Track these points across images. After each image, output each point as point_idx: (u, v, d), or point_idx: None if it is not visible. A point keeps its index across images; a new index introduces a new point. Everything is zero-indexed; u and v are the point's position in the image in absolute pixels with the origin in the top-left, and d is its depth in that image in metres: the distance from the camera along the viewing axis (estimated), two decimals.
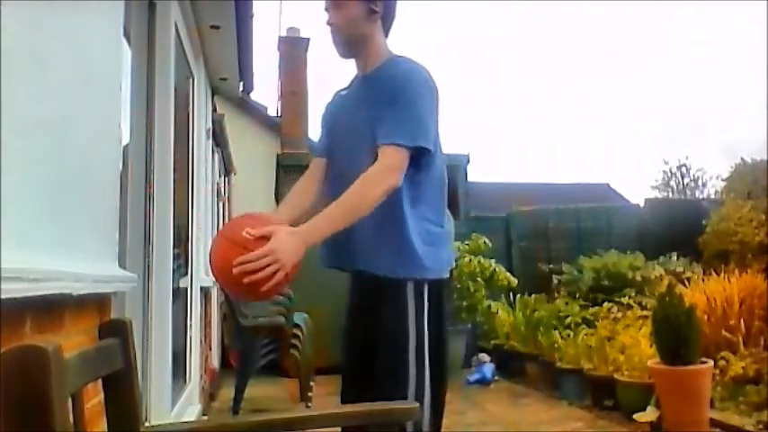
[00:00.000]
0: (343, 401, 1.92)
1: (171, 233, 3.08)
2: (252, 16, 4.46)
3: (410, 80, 1.85)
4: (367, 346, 1.85)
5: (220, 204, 7.51)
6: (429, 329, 1.82)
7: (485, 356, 6.48)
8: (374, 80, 1.91)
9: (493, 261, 6.78)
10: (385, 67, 1.91)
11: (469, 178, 8.45)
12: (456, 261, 5.41)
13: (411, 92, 1.83)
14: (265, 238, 1.64)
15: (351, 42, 1.94)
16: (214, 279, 1.84)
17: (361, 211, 1.73)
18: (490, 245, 6.88)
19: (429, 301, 1.83)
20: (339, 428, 1.64)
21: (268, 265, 1.59)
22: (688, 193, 25.49)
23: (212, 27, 4.25)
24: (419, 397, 1.78)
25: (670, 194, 25.53)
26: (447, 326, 1.95)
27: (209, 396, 5.16)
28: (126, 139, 2.72)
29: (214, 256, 1.74)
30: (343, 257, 1.91)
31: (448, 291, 2.04)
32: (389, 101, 1.81)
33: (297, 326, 4.94)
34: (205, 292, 4.98)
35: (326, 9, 1.94)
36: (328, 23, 1.93)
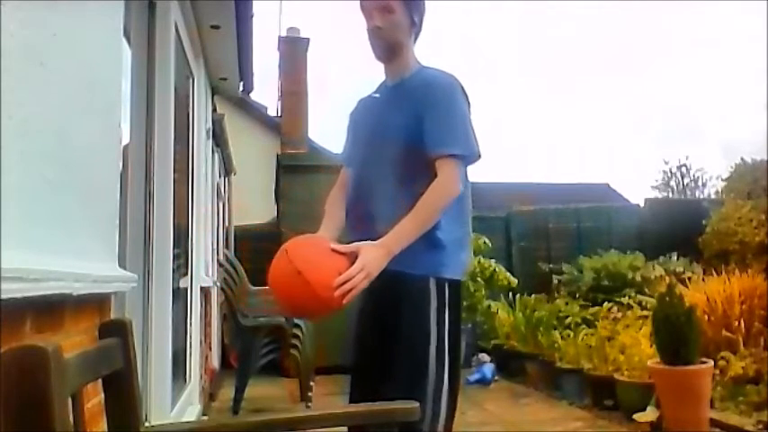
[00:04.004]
0: (353, 401, 1.94)
1: (171, 233, 3.08)
2: (252, 16, 4.46)
3: (452, 92, 1.95)
4: (382, 344, 1.87)
5: (220, 204, 7.52)
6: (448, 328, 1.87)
7: (485, 356, 6.48)
8: (408, 88, 1.98)
9: (493, 261, 6.78)
10: (419, 76, 2.00)
11: (469, 178, 8.44)
12: None
13: (456, 103, 1.93)
14: (345, 255, 1.70)
15: (391, 47, 2.00)
16: (290, 311, 1.80)
17: (431, 221, 1.82)
18: (490, 245, 6.88)
19: (449, 299, 1.89)
20: (339, 429, 1.64)
21: (361, 281, 1.67)
22: (688, 193, 25.49)
23: (212, 27, 4.24)
24: (438, 394, 1.82)
25: (670, 194, 25.54)
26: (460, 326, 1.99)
27: (209, 396, 5.16)
28: (126, 139, 2.72)
29: (304, 285, 1.67)
30: None
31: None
32: (436, 112, 1.90)
33: (297, 326, 4.94)
34: (205, 292, 4.98)
35: (369, 13, 1.98)
36: (374, 26, 1.97)
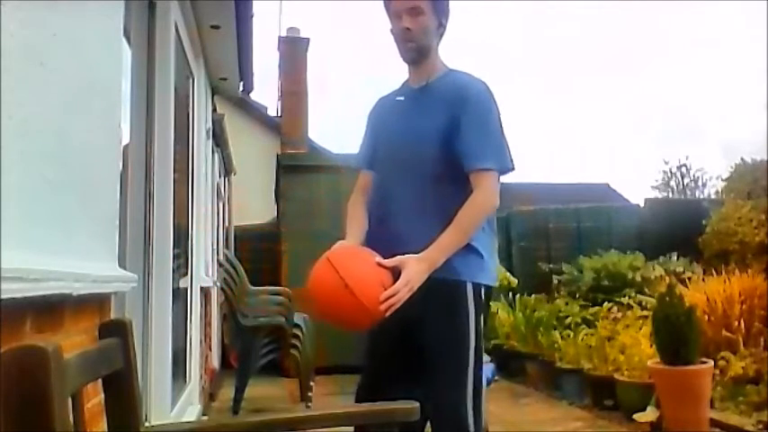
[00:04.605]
0: (359, 400, 1.97)
1: (171, 233, 3.08)
2: (252, 16, 4.45)
3: (487, 101, 1.96)
4: (406, 348, 1.91)
5: (220, 204, 7.52)
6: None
7: (485, 356, 6.47)
8: (437, 92, 1.99)
9: None
10: (448, 80, 2.00)
11: None
12: None
13: (492, 114, 1.96)
14: (388, 268, 1.75)
15: (420, 49, 2.00)
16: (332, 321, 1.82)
17: (471, 234, 1.87)
18: None
19: (483, 304, 1.95)
20: (337, 429, 1.65)
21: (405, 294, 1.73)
22: (688, 193, 25.48)
23: (212, 27, 4.24)
24: (477, 393, 1.87)
25: (670, 194, 25.52)
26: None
27: (209, 396, 5.16)
28: (126, 139, 2.72)
29: (352, 298, 1.70)
30: None
31: None
32: (473, 122, 1.91)
33: (297, 326, 4.94)
34: (205, 292, 4.98)
35: (398, 15, 1.97)
36: (404, 28, 1.96)
